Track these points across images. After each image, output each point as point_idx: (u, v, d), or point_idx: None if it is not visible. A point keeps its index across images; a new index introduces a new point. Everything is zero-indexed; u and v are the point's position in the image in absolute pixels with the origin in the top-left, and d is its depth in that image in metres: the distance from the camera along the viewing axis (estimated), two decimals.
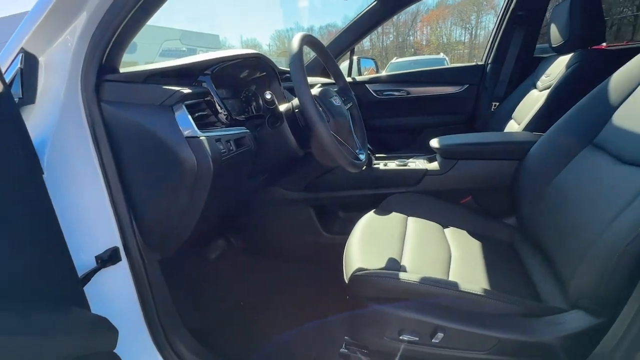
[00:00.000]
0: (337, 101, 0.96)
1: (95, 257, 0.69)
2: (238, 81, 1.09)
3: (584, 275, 0.62)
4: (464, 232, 0.96)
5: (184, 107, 0.73)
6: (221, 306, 1.21)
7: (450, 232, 0.96)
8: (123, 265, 0.73)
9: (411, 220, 0.98)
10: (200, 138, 0.72)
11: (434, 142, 1.18)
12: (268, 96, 0.90)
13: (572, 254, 0.69)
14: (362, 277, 0.73)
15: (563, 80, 1.24)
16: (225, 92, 1.03)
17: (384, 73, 2.12)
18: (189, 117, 0.73)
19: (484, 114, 1.83)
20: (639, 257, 0.52)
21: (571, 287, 0.66)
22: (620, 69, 0.83)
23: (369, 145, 1.13)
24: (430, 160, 1.23)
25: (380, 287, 0.72)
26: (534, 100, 1.37)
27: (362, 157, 0.99)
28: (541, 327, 0.63)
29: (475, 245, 0.90)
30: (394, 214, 1.00)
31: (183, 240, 0.82)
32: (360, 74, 2.22)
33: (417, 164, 1.22)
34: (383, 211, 1.02)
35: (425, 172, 1.16)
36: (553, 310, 0.66)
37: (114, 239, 0.71)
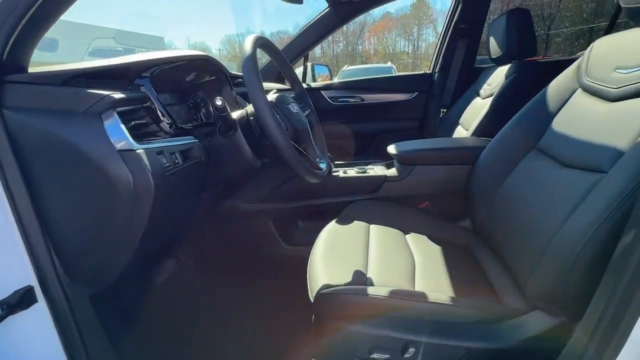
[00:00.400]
0: (294, 108, 0.91)
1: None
2: (184, 85, 0.99)
3: (539, 278, 0.64)
4: (424, 237, 0.97)
5: (115, 114, 0.62)
6: (172, 337, 1.07)
7: (411, 238, 0.96)
8: (40, 307, 0.59)
9: (373, 228, 0.96)
10: (137, 151, 0.62)
11: (392, 148, 1.18)
12: (219, 102, 0.82)
13: (526, 257, 0.71)
14: (328, 295, 0.69)
15: (504, 89, 1.34)
16: (169, 98, 0.93)
17: (336, 80, 2.13)
18: (122, 126, 0.62)
19: (433, 120, 1.92)
20: (593, 261, 0.55)
21: (529, 289, 0.68)
22: (555, 79, 0.90)
23: (327, 153, 1.10)
24: (389, 167, 1.24)
25: (348, 304, 0.68)
26: (478, 108, 1.46)
27: (323, 166, 0.96)
28: (506, 332, 0.64)
29: (435, 251, 0.91)
30: (355, 222, 0.98)
31: (120, 270, 0.70)
32: (314, 80, 2.21)
33: (376, 170, 1.21)
34: (344, 220, 0.99)
35: (384, 179, 1.16)
36: (515, 312, 0.67)
37: (26, 277, 0.58)
